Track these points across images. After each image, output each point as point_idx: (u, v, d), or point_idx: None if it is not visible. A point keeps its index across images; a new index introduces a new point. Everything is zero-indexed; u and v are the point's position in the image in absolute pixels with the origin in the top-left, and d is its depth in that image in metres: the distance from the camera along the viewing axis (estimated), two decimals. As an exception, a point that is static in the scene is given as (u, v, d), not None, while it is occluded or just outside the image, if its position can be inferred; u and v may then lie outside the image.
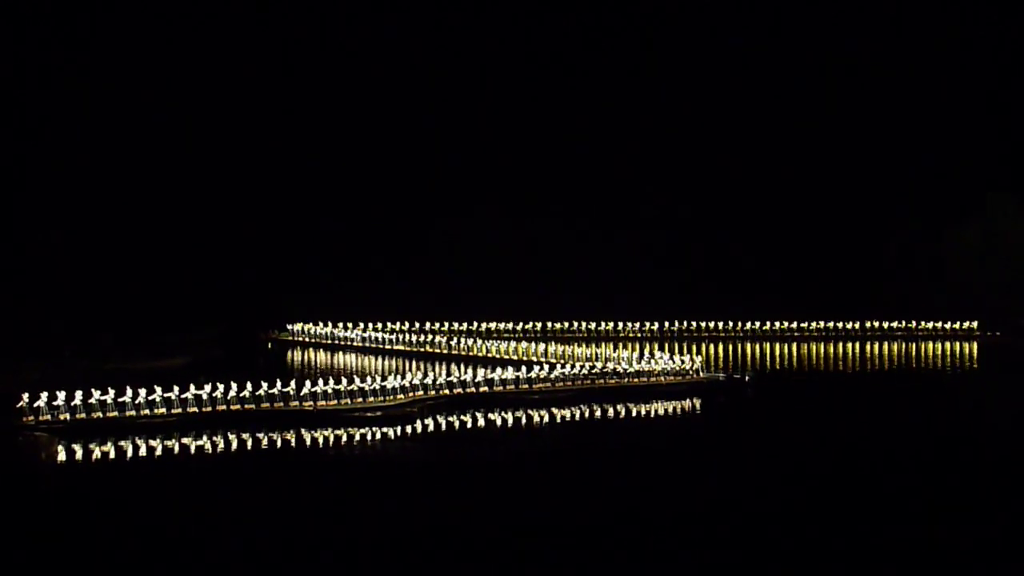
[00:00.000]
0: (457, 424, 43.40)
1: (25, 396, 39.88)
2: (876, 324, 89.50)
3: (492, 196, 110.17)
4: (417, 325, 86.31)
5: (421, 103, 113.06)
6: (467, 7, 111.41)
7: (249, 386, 43.05)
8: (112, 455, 36.85)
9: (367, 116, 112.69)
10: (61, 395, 40.02)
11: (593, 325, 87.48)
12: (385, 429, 41.54)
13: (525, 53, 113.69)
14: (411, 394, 46.36)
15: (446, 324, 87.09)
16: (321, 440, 39.57)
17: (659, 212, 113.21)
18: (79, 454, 36.77)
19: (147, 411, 41.15)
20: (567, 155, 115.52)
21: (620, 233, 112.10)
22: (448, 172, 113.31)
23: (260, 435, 39.91)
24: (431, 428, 42.35)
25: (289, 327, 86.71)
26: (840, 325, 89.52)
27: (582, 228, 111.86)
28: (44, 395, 39.79)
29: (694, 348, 76.42)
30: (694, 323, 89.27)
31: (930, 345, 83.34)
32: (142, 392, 41.33)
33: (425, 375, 48.61)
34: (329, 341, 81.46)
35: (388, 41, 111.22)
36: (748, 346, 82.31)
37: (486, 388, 49.19)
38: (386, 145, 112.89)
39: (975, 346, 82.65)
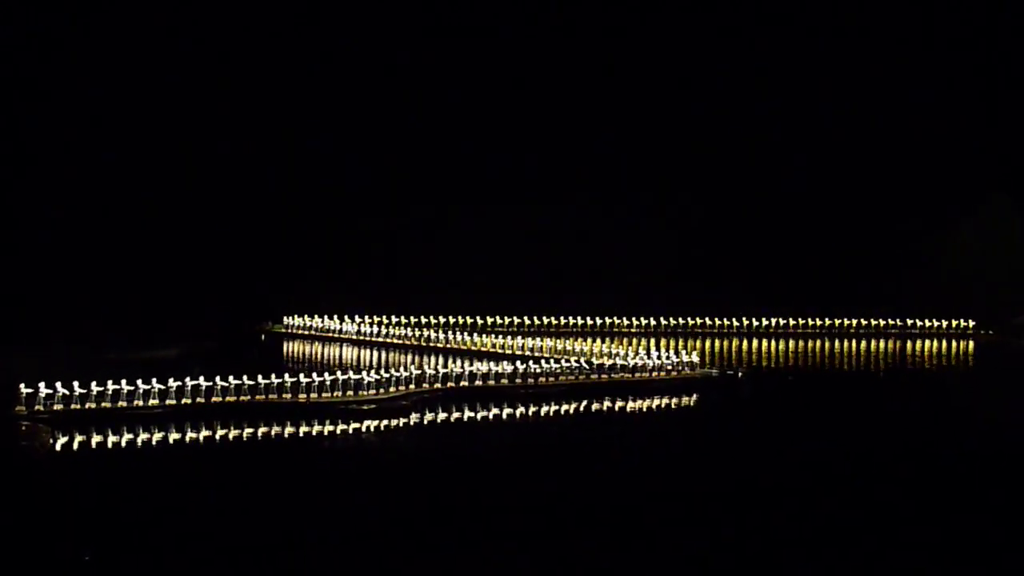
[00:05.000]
0: (450, 417, 43.51)
1: (21, 386, 39.90)
2: (871, 322, 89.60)
3: (489, 191, 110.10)
4: (411, 319, 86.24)
5: (418, 98, 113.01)
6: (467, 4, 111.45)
7: (244, 378, 43.15)
8: (106, 445, 36.93)
9: (366, 110, 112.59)
10: (57, 385, 40.07)
11: (587, 320, 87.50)
12: (378, 422, 41.67)
13: (530, 44, 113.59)
14: (404, 387, 46.49)
15: (440, 318, 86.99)
16: (315, 432, 39.68)
17: (656, 209, 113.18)
18: (74, 444, 36.86)
19: (141, 401, 41.27)
20: (566, 151, 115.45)
21: (616, 229, 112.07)
22: (446, 168, 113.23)
23: (254, 426, 40.01)
24: (424, 421, 42.46)
25: (284, 319, 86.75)
26: (836, 322, 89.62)
27: (579, 224, 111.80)
28: (42, 385, 39.83)
29: (688, 344, 76.53)
30: (688, 319, 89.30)
31: (925, 343, 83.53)
32: (137, 383, 41.42)
33: (419, 369, 48.75)
34: (323, 334, 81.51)
35: (386, 37, 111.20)
36: (743, 342, 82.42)
37: (479, 382, 49.33)
38: (383, 139, 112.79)
39: (970, 344, 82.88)
